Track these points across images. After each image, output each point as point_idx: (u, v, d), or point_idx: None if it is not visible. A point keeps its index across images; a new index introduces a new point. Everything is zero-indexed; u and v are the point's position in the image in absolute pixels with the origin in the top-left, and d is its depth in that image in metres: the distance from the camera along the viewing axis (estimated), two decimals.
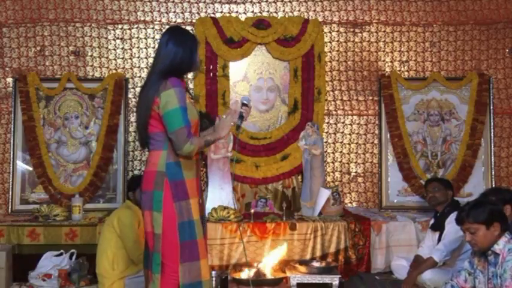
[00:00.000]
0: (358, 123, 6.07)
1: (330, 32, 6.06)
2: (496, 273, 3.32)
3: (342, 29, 6.07)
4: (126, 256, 4.38)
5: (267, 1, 6.04)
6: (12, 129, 5.78)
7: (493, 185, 5.82)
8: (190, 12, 6.01)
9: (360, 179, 6.06)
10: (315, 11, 6.05)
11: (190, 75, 5.55)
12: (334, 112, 6.05)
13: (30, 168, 5.76)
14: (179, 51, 3.23)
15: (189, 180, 3.22)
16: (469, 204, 3.49)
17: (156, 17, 5.98)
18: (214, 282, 4.52)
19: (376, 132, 6.05)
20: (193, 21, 5.93)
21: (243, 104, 3.41)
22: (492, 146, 5.95)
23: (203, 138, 3.28)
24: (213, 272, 4.59)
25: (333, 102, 6.05)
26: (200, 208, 3.29)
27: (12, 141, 5.77)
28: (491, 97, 5.99)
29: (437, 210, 4.81)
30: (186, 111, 3.14)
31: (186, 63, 3.26)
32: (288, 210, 5.27)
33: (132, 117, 5.88)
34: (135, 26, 5.98)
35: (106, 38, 5.97)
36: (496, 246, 3.34)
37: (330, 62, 6.05)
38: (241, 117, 3.38)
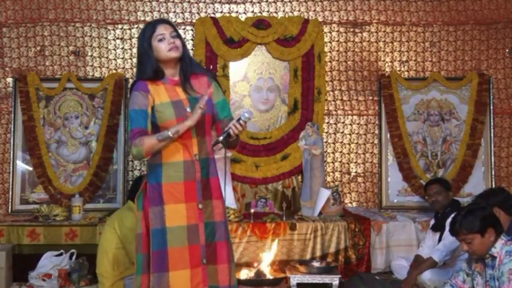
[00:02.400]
0: (358, 123, 6.06)
1: (330, 32, 6.05)
2: (493, 276, 3.31)
3: (342, 29, 6.07)
4: (127, 257, 4.38)
5: (267, 1, 6.04)
6: (12, 129, 5.77)
7: (493, 185, 5.82)
8: (190, 12, 6.00)
9: (360, 179, 6.06)
10: (315, 11, 6.04)
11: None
12: (334, 112, 6.05)
13: (30, 168, 5.75)
14: (138, 49, 3.08)
15: (170, 184, 2.99)
16: (460, 213, 3.42)
17: (156, 17, 5.95)
18: None
19: (376, 132, 6.04)
20: (193, 21, 5.92)
21: (238, 120, 2.90)
22: (492, 146, 5.95)
23: (153, 136, 2.94)
24: None
25: (333, 102, 6.05)
26: (191, 214, 3.02)
27: (12, 141, 5.76)
28: (491, 97, 5.98)
29: (438, 211, 4.81)
30: (136, 114, 2.95)
31: (144, 56, 3.02)
32: (288, 210, 5.27)
33: None
34: (135, 26, 5.97)
35: (106, 38, 5.96)
36: (493, 249, 3.31)
37: (330, 62, 6.04)
38: (228, 134, 2.90)
